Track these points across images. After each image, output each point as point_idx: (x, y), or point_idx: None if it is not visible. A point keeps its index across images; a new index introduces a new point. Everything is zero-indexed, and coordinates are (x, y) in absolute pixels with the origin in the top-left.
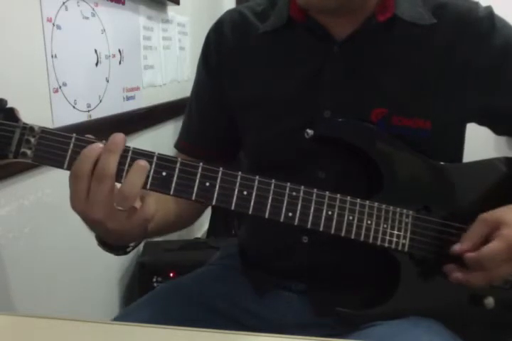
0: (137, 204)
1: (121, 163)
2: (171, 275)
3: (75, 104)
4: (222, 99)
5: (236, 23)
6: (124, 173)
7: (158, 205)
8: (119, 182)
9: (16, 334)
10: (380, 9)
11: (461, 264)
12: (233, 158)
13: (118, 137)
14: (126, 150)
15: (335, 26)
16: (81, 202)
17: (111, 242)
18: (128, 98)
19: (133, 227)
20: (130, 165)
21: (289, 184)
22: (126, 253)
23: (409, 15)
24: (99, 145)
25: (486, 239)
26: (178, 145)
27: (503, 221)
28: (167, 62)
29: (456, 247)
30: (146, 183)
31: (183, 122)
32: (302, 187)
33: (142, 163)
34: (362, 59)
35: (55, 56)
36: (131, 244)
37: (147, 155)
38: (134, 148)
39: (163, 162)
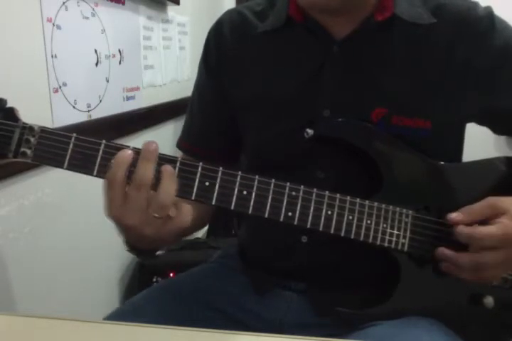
0: (171, 211)
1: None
2: (171, 275)
3: (75, 104)
4: (224, 98)
5: (235, 24)
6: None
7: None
8: (154, 189)
9: (16, 334)
10: (379, 9)
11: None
12: (235, 160)
13: (153, 145)
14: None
15: (334, 26)
16: (117, 209)
17: (143, 247)
18: (128, 98)
19: (167, 233)
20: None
21: (288, 184)
22: (154, 257)
23: (409, 14)
24: (129, 151)
25: (484, 222)
26: (179, 145)
27: (508, 210)
28: (167, 62)
29: (453, 215)
30: None
31: (184, 122)
32: (302, 186)
33: (170, 168)
34: (361, 58)
35: (55, 56)
36: (161, 249)
37: None
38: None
39: (163, 162)
